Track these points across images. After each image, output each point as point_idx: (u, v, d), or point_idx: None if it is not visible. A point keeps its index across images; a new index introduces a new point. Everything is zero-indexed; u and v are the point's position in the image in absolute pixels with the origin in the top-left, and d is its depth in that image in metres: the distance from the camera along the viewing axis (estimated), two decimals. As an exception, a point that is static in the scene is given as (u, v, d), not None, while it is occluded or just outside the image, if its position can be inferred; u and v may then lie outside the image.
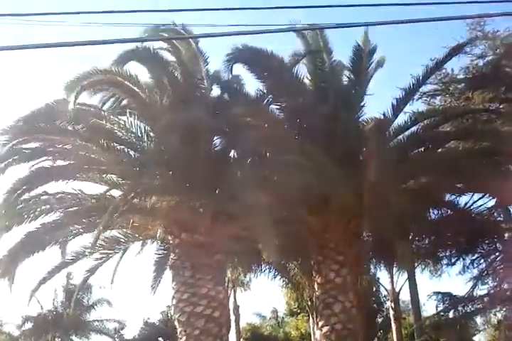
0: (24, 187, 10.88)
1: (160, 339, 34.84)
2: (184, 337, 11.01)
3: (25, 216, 11.35)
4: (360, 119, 13.79)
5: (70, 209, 11.60)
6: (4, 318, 35.68)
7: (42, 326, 33.13)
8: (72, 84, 10.78)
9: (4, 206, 10.96)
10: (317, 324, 13.25)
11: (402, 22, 5.77)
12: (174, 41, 12.41)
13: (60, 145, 11.66)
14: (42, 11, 4.88)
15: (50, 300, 33.91)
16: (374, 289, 27.42)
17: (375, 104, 13.87)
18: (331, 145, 12.36)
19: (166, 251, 13.05)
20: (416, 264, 17.98)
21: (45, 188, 11.48)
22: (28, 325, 33.84)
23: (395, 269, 20.76)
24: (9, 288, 11.48)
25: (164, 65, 12.10)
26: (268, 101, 12.98)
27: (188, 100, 11.90)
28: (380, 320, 29.39)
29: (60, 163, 11.68)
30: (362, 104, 13.71)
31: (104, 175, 11.86)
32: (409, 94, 13.93)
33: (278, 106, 13.46)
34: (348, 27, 5.98)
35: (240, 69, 13.15)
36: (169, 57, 12.43)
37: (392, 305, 22.61)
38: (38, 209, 11.52)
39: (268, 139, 11.64)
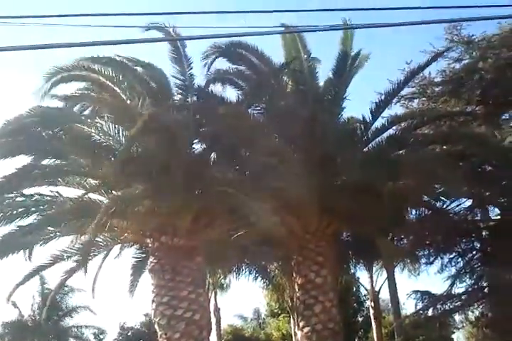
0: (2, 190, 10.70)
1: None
2: (165, 341, 10.94)
3: (1, 218, 11.20)
4: (338, 121, 13.95)
5: (47, 212, 11.46)
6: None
7: (20, 332, 32.58)
8: (49, 76, 10.70)
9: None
10: (298, 325, 13.31)
11: (381, 26, 5.79)
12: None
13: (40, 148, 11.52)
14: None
15: (29, 305, 33.45)
16: (354, 289, 27.64)
17: (353, 107, 14.04)
18: (309, 148, 12.50)
19: (144, 255, 12.97)
20: (395, 263, 18.20)
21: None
22: (6, 331, 33.32)
23: (374, 269, 20.96)
24: None
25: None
26: (247, 103, 12.98)
27: (167, 102, 11.88)
28: (360, 319, 29.60)
29: (38, 165, 11.51)
30: (340, 106, 13.87)
31: (82, 180, 11.74)
32: (388, 98, 14.14)
33: (258, 109, 13.54)
34: (327, 30, 5.98)
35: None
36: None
37: (372, 304, 22.76)
38: (14, 212, 11.39)
39: (247, 142, 11.65)
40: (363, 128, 13.86)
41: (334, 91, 13.80)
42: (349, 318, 25.50)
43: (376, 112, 13.78)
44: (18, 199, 11.44)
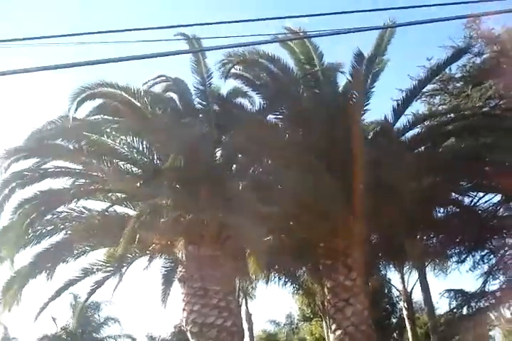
0: (35, 214, 10.90)
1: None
2: (198, 348, 11.00)
3: (32, 238, 11.43)
4: (361, 123, 13.83)
5: (76, 228, 11.67)
6: (21, 338, 35.89)
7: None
8: (75, 95, 10.95)
9: (12, 229, 11.01)
10: (330, 328, 13.23)
11: (396, 26, 5.75)
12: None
13: (64, 165, 11.76)
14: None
15: (65, 318, 34.04)
16: (386, 290, 27.32)
17: (374, 105, 13.89)
18: (332, 150, 12.36)
19: (173, 264, 13.06)
20: (425, 263, 17.98)
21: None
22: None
23: (405, 269, 20.74)
24: (16, 305, 11.53)
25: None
26: (266, 110, 13.00)
27: (189, 113, 12.00)
28: (394, 321, 29.25)
29: (64, 183, 11.74)
30: (362, 108, 13.74)
31: (108, 193, 11.93)
32: (411, 96, 13.99)
33: (276, 116, 13.52)
34: (342, 33, 5.94)
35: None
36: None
37: (405, 305, 22.50)
38: (44, 230, 11.62)
39: (268, 149, 11.69)
40: (385, 128, 13.77)
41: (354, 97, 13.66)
42: (382, 320, 25.22)
43: (399, 111, 13.66)
44: (47, 217, 11.64)
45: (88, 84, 11.19)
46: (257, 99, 13.46)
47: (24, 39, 4.82)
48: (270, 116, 13.20)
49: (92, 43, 5.42)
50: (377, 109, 14.94)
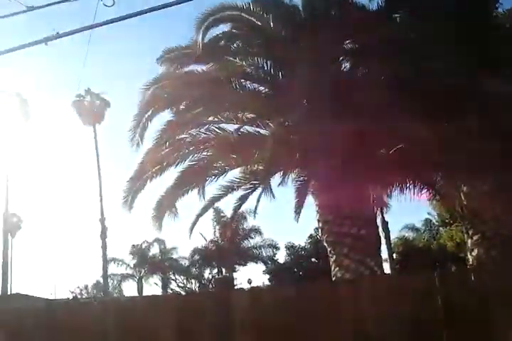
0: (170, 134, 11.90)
1: (313, 259, 36.68)
2: (334, 256, 11.62)
3: (177, 156, 12.49)
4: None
5: (214, 148, 12.50)
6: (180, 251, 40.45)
7: (208, 257, 36.91)
8: (201, 20, 11.38)
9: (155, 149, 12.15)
10: (467, 233, 13.19)
11: None
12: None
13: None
14: None
15: (210, 232, 37.46)
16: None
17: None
18: (468, 49, 11.51)
19: (306, 178, 13.54)
20: None
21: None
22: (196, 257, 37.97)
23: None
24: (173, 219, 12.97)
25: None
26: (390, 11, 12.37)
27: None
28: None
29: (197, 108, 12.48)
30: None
31: (238, 114, 12.48)
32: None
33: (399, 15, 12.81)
34: None
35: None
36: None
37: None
38: (187, 151, 12.62)
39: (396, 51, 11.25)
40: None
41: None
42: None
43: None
44: (187, 139, 12.59)
45: (212, 8, 11.52)
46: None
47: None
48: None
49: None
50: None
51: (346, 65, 12.63)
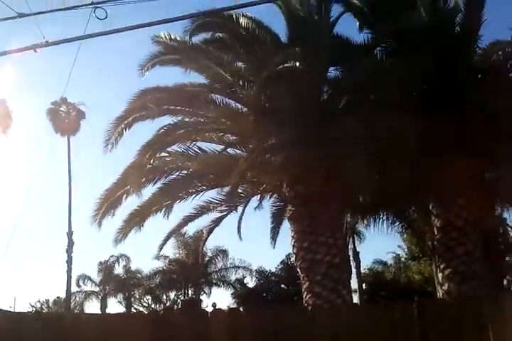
0: (152, 150, 11.80)
1: (282, 286, 36.41)
2: (307, 283, 11.54)
3: (156, 174, 12.37)
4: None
5: (193, 169, 12.43)
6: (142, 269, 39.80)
7: (172, 278, 36.49)
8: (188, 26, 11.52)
9: (136, 167, 12.04)
10: (439, 267, 13.23)
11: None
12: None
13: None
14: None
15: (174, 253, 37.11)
16: (501, 230, 26.35)
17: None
18: (448, 83, 11.82)
19: (282, 203, 13.55)
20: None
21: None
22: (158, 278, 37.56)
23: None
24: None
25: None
26: (373, 44, 12.64)
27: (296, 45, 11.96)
28: (510, 262, 28.34)
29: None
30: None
31: (221, 135, 12.48)
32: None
33: (383, 48, 13.10)
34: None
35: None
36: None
37: (521, 246, 21.69)
38: (166, 168, 12.51)
39: (374, 85, 11.46)
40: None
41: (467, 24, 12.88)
42: (497, 260, 24.52)
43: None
44: (166, 158, 12.51)
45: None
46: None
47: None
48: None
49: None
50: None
51: (325, 95, 12.73)
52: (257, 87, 11.35)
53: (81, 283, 38.92)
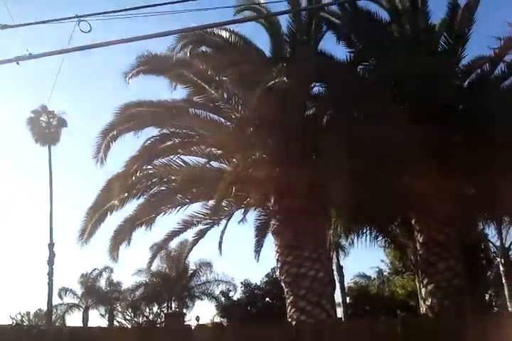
0: (136, 165, 11.77)
1: (267, 299, 36.22)
2: (291, 297, 11.52)
3: (139, 189, 12.32)
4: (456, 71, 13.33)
5: (176, 182, 12.40)
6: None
7: (154, 291, 36.16)
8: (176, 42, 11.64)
9: (120, 181, 12.00)
10: (422, 282, 13.31)
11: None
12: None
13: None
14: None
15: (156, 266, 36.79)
16: (482, 246, 26.62)
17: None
18: (429, 100, 12.00)
19: (266, 217, 13.55)
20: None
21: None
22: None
23: (503, 225, 20.04)
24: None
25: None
26: (356, 62, 12.81)
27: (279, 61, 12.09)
28: (492, 277, 28.58)
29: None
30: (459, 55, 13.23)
31: (205, 148, 12.50)
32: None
33: (365, 67, 13.28)
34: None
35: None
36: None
37: (502, 260, 21.93)
38: (149, 182, 12.47)
39: (357, 103, 11.60)
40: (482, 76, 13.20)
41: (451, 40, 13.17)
42: (478, 275, 24.75)
43: (497, 59, 13.02)
44: (150, 171, 12.47)
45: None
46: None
47: None
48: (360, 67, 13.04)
49: None
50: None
51: (310, 111, 12.83)
52: (250, 107, 11.41)
53: (62, 295, 38.40)
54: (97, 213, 12.57)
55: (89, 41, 6.62)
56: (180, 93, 13.20)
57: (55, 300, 36.22)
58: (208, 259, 36.08)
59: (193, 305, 37.79)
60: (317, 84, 12.71)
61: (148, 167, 12.48)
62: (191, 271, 36.94)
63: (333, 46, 13.77)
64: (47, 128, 34.17)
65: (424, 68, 11.77)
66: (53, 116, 34.83)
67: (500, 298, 27.45)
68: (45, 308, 35.10)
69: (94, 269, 39.26)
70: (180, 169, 12.54)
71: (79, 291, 39.30)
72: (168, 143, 12.13)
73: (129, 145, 13.00)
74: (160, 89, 14.19)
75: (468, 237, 18.89)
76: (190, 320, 36.04)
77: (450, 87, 12.79)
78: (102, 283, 39.93)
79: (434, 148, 11.12)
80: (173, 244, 29.72)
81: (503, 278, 22.23)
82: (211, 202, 12.87)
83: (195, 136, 12.51)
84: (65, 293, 38.46)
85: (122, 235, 12.70)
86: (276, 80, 10.98)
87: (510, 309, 21.87)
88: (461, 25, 13.14)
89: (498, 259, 23.28)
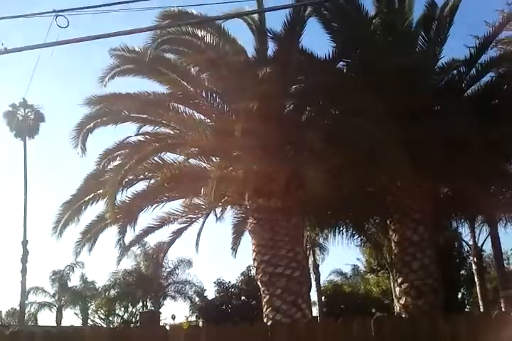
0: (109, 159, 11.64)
1: (243, 298, 36.22)
2: (267, 297, 11.52)
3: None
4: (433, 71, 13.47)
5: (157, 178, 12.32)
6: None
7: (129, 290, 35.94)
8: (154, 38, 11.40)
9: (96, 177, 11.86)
10: (396, 281, 13.45)
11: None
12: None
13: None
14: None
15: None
16: (456, 245, 27.05)
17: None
18: (402, 101, 12.08)
19: (244, 215, 13.54)
20: (497, 218, 17.58)
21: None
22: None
23: (476, 224, 20.41)
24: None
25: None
26: (336, 58, 12.82)
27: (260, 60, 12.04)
28: (464, 275, 29.06)
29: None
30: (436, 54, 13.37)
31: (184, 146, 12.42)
32: (487, 42, 13.38)
33: (346, 63, 13.31)
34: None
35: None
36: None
37: (475, 259, 22.30)
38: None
39: (335, 99, 11.61)
40: (457, 77, 13.37)
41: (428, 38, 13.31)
42: (451, 274, 25.14)
43: (474, 58, 13.20)
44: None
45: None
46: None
47: None
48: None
49: None
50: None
51: (290, 106, 12.82)
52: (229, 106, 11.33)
53: (35, 294, 37.84)
54: (72, 208, 12.46)
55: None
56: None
57: (30, 298, 35.76)
58: (188, 257, 35.99)
59: (164, 304, 37.68)
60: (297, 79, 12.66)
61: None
62: (169, 270, 36.73)
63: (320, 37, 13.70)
64: (24, 122, 33.66)
65: (402, 65, 11.88)
66: (32, 109, 34.34)
67: (472, 296, 27.98)
68: (18, 307, 34.56)
69: (66, 266, 38.77)
70: (157, 166, 12.43)
71: (51, 290, 38.81)
72: (145, 140, 12.03)
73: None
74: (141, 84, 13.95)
75: (442, 236, 19.20)
76: (166, 318, 35.93)
77: (428, 86, 12.87)
78: (76, 281, 39.48)
79: (410, 147, 11.22)
80: (152, 243, 29.44)
81: (476, 277, 22.58)
82: (188, 201, 12.83)
83: (174, 135, 12.41)
84: (37, 292, 37.92)
85: (94, 231, 12.59)
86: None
87: (481, 307, 22.26)
88: (438, 25, 13.29)
89: (471, 258, 23.64)
